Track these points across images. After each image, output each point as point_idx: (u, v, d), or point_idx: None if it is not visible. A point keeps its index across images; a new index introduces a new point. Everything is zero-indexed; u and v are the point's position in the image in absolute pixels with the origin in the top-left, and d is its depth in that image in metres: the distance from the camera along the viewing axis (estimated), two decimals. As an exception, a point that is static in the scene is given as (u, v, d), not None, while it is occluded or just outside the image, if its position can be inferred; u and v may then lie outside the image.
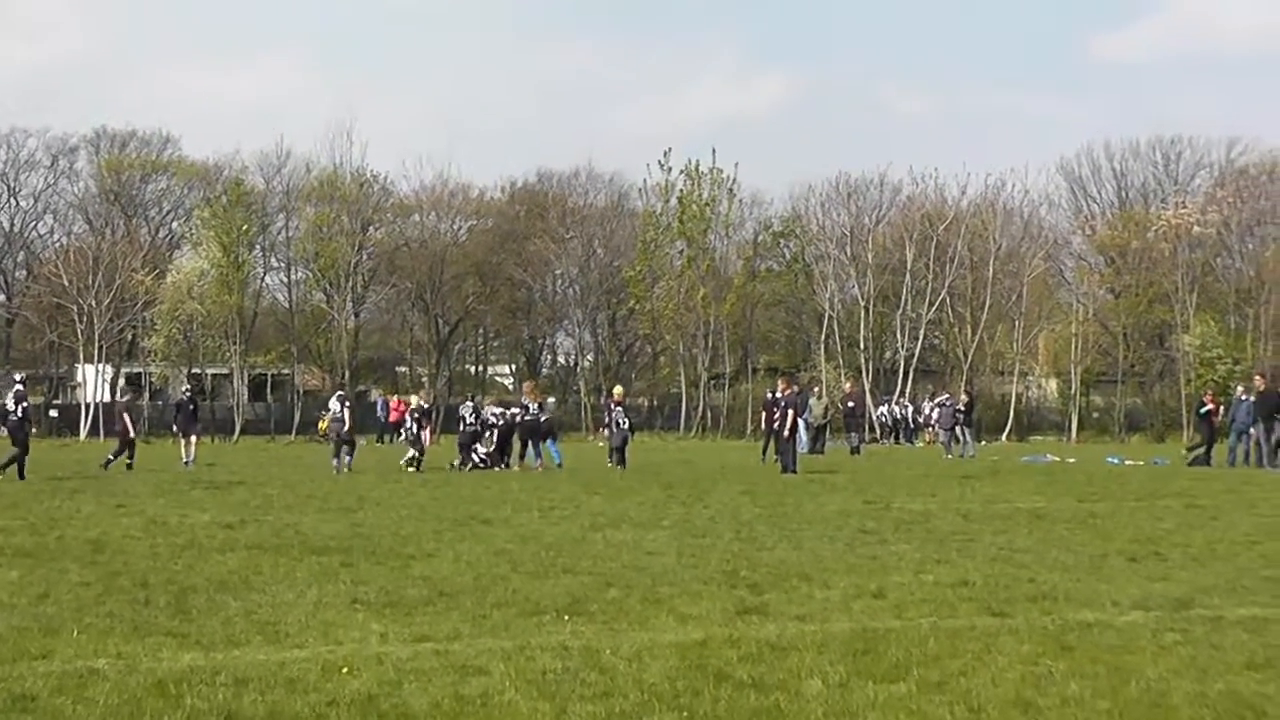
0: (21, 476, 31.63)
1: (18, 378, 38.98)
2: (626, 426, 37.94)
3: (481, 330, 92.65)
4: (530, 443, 37.89)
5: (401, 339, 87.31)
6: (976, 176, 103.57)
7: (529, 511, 22.46)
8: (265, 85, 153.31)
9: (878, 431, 66.70)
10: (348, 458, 36.18)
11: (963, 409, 47.51)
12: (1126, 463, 41.17)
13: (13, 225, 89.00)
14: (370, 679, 9.33)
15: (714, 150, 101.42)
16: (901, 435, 65.82)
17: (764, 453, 41.17)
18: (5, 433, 34.43)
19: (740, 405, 76.10)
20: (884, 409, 67.72)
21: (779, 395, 36.75)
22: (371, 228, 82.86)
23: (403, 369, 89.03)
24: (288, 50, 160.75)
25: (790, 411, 35.28)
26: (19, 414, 33.12)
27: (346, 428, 37.05)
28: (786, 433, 35.10)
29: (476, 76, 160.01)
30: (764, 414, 43.89)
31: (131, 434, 37.95)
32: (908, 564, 15.36)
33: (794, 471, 33.42)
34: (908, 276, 75.17)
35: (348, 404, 38.07)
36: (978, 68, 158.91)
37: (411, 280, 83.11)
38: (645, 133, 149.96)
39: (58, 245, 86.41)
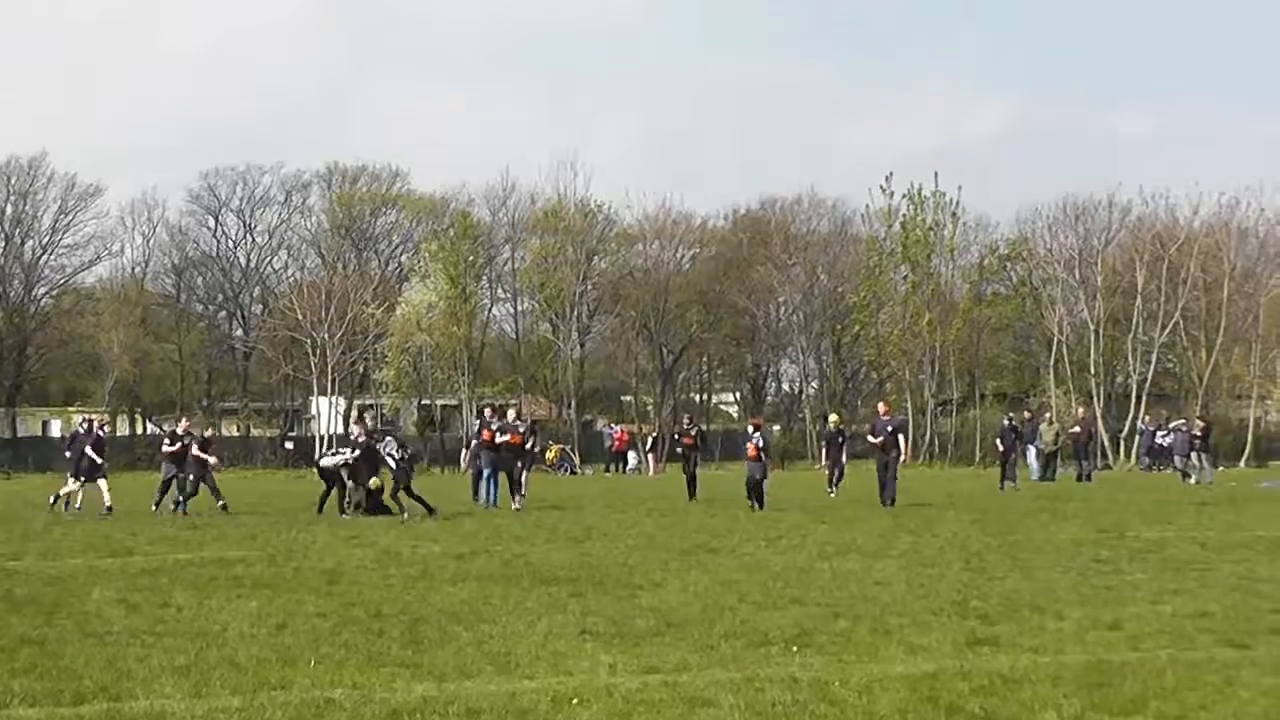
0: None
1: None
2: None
3: (705, 358, 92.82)
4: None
5: (626, 368, 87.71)
6: (1209, 196, 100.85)
7: (755, 541, 22.45)
8: (490, 119, 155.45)
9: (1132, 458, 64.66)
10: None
11: (1199, 434, 46.28)
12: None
13: (249, 261, 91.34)
14: (600, 710, 9.36)
15: (936, 174, 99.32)
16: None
17: (1001, 481, 41.20)
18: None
19: (968, 432, 75.05)
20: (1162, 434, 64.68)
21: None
22: (596, 258, 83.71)
23: (628, 398, 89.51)
24: (511, 82, 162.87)
25: (899, 437, 33.79)
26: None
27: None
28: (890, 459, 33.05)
29: (697, 107, 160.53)
30: (998, 441, 43.43)
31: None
32: (1143, 594, 15.04)
33: (888, 504, 31.87)
34: (1139, 299, 73.63)
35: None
36: (1202, 87, 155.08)
37: (636, 309, 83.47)
38: (866, 159, 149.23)
39: (291, 280, 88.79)
